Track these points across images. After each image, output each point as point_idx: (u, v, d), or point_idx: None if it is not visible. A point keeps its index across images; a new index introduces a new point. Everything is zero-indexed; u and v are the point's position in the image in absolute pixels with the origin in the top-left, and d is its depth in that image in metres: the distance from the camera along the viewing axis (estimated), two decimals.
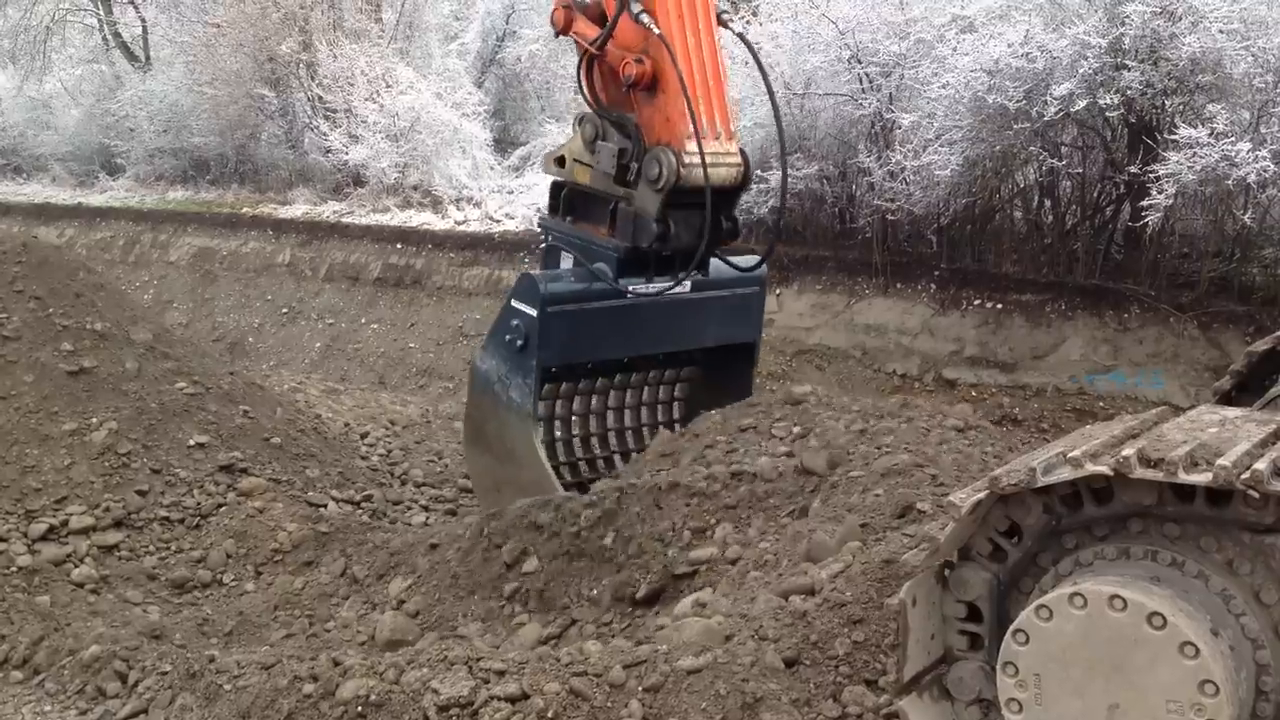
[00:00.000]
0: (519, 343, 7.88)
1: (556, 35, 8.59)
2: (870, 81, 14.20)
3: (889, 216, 13.80)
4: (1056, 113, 11.54)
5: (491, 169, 21.34)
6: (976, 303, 13.19)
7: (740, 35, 8.61)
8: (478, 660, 4.53)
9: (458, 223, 19.69)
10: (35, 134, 29.54)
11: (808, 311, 14.51)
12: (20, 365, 8.08)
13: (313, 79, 22.10)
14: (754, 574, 5.34)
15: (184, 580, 7.09)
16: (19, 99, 30.31)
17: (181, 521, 7.57)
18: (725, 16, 8.42)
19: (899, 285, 13.92)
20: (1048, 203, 13.78)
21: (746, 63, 16.19)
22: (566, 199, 8.61)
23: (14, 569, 6.76)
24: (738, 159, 7.99)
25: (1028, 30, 11.99)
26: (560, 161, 8.57)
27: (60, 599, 6.58)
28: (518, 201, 19.65)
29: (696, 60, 7.89)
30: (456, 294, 17.32)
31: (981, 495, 2.94)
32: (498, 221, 19.51)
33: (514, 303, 7.97)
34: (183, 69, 24.83)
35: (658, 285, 8.07)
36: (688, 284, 8.23)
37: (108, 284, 9.60)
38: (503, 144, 22.65)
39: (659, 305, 8.18)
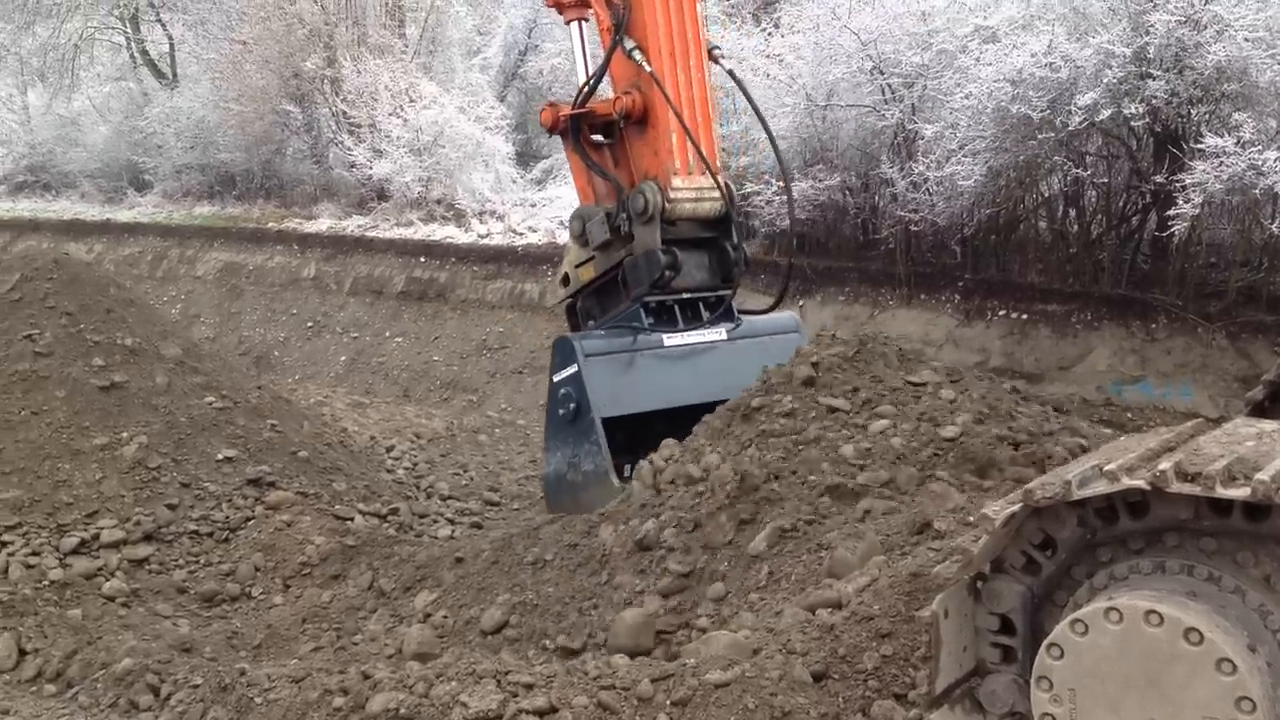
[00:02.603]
0: (572, 407, 7.83)
1: (550, 134, 9.08)
2: (893, 92, 14.18)
3: (912, 227, 13.76)
4: (1081, 122, 11.49)
5: (514, 182, 21.43)
6: (1001, 313, 13.12)
7: (730, 72, 8.80)
8: (506, 674, 4.54)
9: (481, 236, 19.77)
10: (64, 151, 29.86)
11: (831, 323, 14.46)
12: (52, 380, 8.18)
13: (337, 94, 22.26)
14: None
15: (213, 593, 7.14)
16: (48, 116, 30.67)
17: (210, 535, 7.64)
18: (716, 52, 8.61)
19: (923, 296, 13.86)
20: (1073, 212, 13.70)
21: (769, 75, 16.25)
22: (583, 311, 8.83)
23: (46, 582, 6.84)
24: (717, 194, 8.33)
25: (1051, 40, 11.94)
26: (565, 280, 8.79)
27: (92, 612, 6.63)
28: (540, 214, 19.71)
29: (686, 96, 8.14)
30: (480, 307, 17.37)
31: (1016, 508, 2.93)
32: (520, 234, 19.57)
33: (556, 376, 8.01)
34: (209, 86, 25.05)
35: (692, 334, 8.18)
36: (724, 332, 8.33)
37: (137, 299, 9.69)
38: (525, 157, 22.74)
39: (701, 352, 8.22)
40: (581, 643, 5.80)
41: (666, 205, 8.04)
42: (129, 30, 29.92)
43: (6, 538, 7.17)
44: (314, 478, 8.53)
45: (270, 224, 21.80)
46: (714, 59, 8.55)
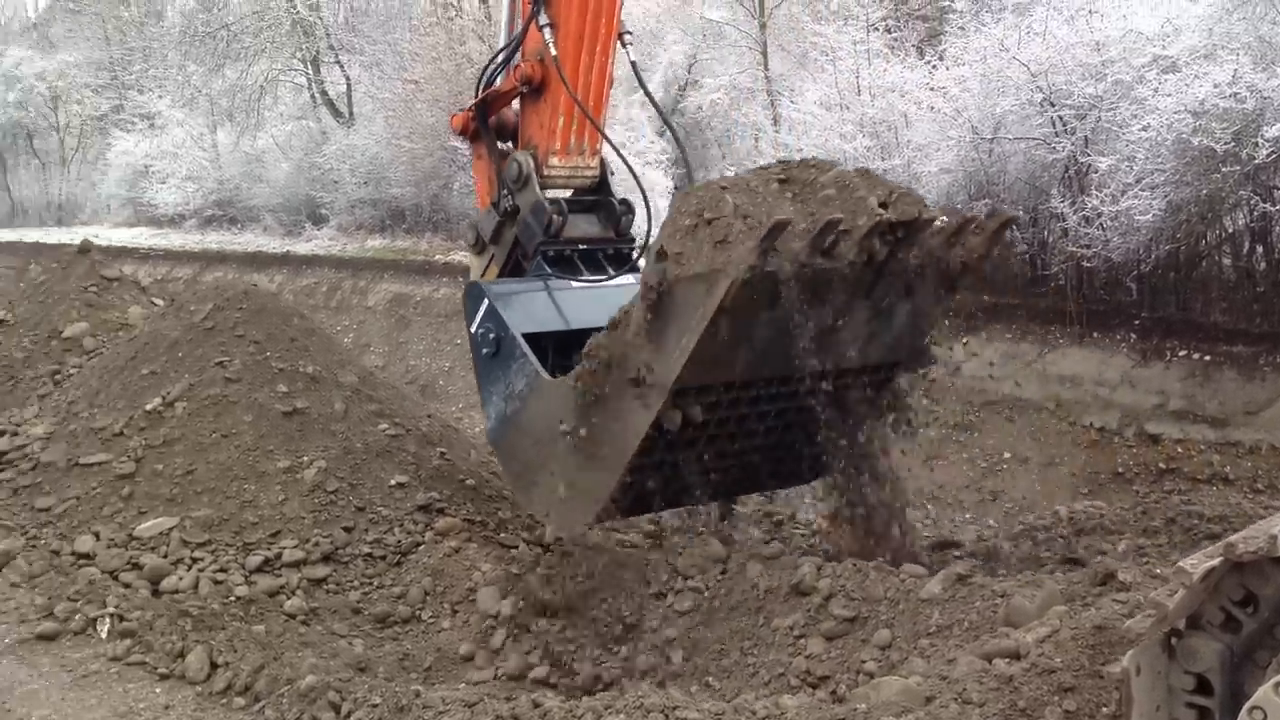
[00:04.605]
0: (492, 338, 7.75)
1: (462, 137, 9.01)
2: (1064, 124, 13.79)
3: (1084, 263, 13.32)
4: (1269, 155, 10.95)
5: None
6: (1182, 354, 12.54)
7: (633, 64, 8.64)
8: (674, 709, 4.56)
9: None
10: (249, 186, 31.58)
11: (996, 360, 14.09)
12: (240, 405, 8.62)
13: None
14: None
15: (385, 615, 7.37)
16: (235, 154, 32.53)
17: (383, 558, 7.89)
18: (627, 38, 8.47)
19: (1095, 334, 13.38)
20: (1259, 249, 13.05)
21: (933, 108, 16.02)
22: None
23: (233, 598, 7.19)
24: (595, 171, 8.52)
25: (1236, 70, 11.44)
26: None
27: (274, 629, 6.94)
28: None
29: (584, 81, 8.11)
30: None
31: (1215, 562, 2.81)
32: None
33: (472, 325, 7.96)
34: (383, 124, 26.14)
35: (599, 279, 8.16)
36: (632, 279, 8.07)
37: (317, 329, 10.13)
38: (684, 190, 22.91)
39: (609, 290, 7.99)
40: (744, 681, 5.78)
41: (540, 176, 8.17)
42: (310, 72, 31.54)
43: (197, 554, 7.58)
44: (480, 505, 8.74)
45: (437, 256, 22.53)
46: (623, 44, 8.44)
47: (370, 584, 7.67)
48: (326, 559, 7.72)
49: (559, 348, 7.71)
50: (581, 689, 6.08)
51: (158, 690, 5.99)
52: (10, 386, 10.09)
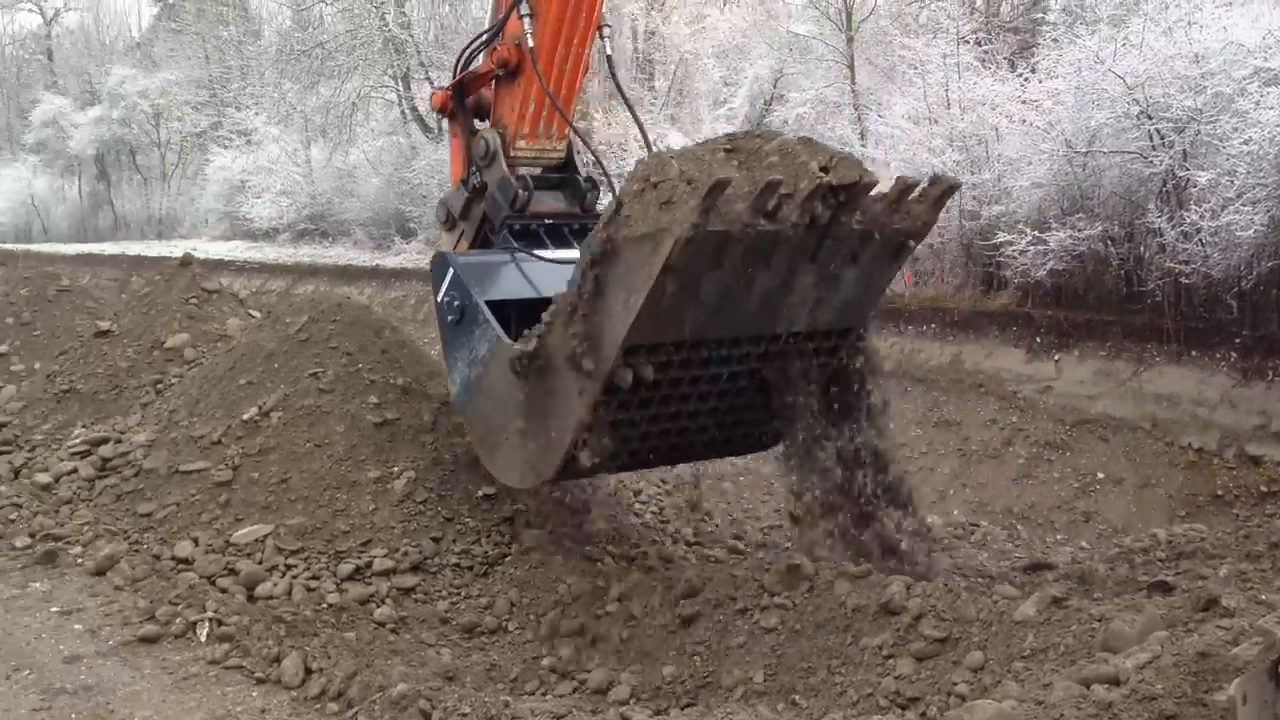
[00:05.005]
0: (457, 305, 7.88)
1: (440, 114, 9.22)
2: (1161, 138, 13.50)
3: (1182, 279, 13.00)
4: None
5: None
6: None
7: (609, 57, 8.84)
8: None
9: None
10: (340, 201, 32.28)
11: (1090, 379, 13.80)
12: (333, 416, 8.79)
13: (587, 145, 23.08)
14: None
15: (472, 625, 7.44)
16: (327, 169, 33.27)
17: (470, 569, 7.98)
18: (606, 31, 8.61)
19: (1194, 353, 13.03)
20: None
21: (1025, 121, 15.77)
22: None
23: (325, 605, 7.32)
24: (562, 153, 8.75)
25: None
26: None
27: (364, 636, 7.05)
28: None
29: (558, 70, 8.27)
30: None
31: None
32: None
33: (438, 295, 8.11)
34: None
35: (563, 252, 8.24)
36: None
37: (408, 341, 10.29)
38: None
39: (563, 262, 7.99)
40: (831, 701, 5.72)
41: (508, 156, 8.38)
42: (400, 88, 32.15)
43: (291, 561, 7.75)
44: (565, 518, 8.79)
45: None
46: (601, 35, 8.60)
47: (458, 594, 7.76)
48: (415, 568, 7.83)
49: (522, 316, 7.84)
50: (667, 704, 6.07)
51: (254, 694, 6.13)
52: (115, 395, 10.44)
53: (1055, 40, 16.63)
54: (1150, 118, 13.53)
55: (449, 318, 8.01)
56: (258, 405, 8.89)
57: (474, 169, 8.64)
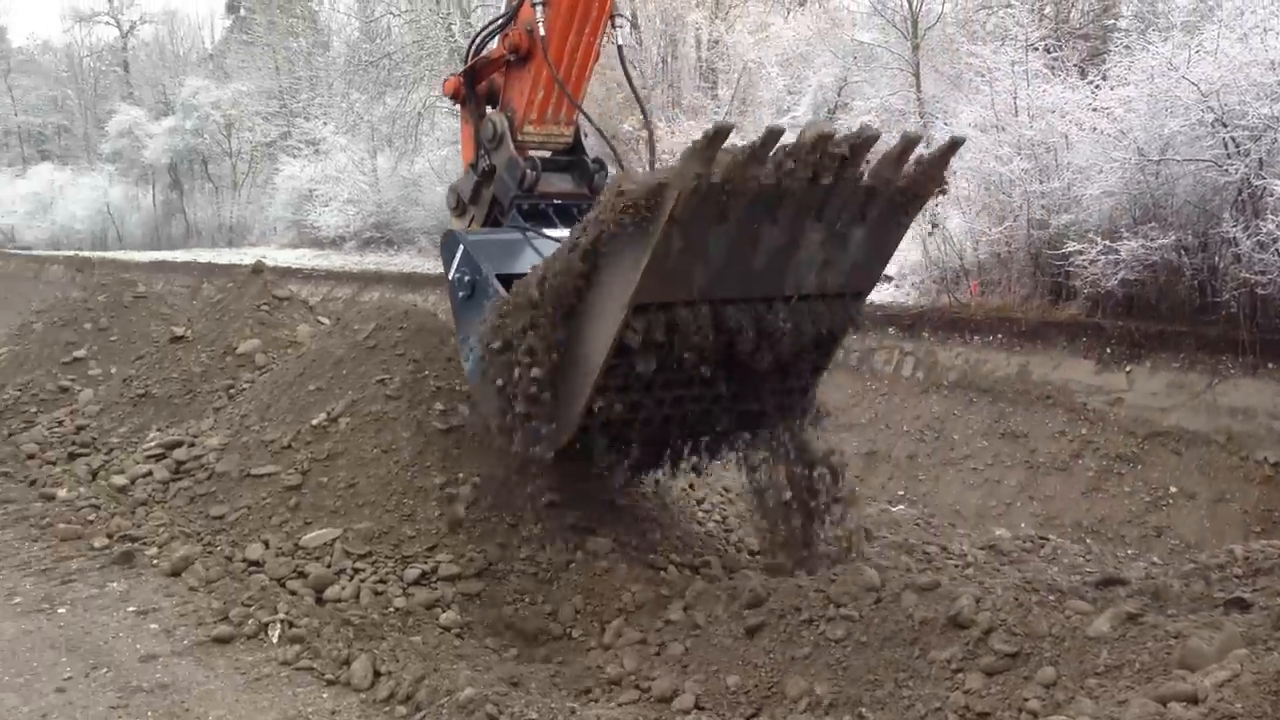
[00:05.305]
0: (468, 280, 7.96)
1: (453, 100, 9.26)
2: (1237, 146, 13.24)
3: (1259, 290, 12.73)
4: None
5: None
6: None
7: (619, 47, 8.90)
8: None
9: None
10: (405, 210, 32.70)
11: (1162, 391, 13.56)
12: (399, 422, 8.88)
13: (650, 154, 23.14)
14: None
15: (537, 631, 7.47)
16: (393, 178, 33.71)
17: (535, 575, 7.99)
18: (619, 20, 8.64)
19: (1270, 365, 12.75)
20: None
21: (1095, 129, 15.54)
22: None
23: (391, 609, 7.39)
24: (569, 137, 8.81)
25: None
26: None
27: (430, 640, 7.10)
28: None
29: (568, 58, 8.34)
30: None
31: None
32: None
33: (450, 272, 8.20)
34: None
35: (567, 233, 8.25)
36: None
37: None
38: None
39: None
40: (899, 714, 5.67)
41: (515, 140, 8.46)
42: None
43: (358, 565, 7.83)
44: (630, 526, 8.79)
45: None
46: (613, 25, 8.61)
47: (522, 600, 7.78)
48: (480, 574, 7.86)
49: None
50: (732, 714, 6.05)
51: (324, 695, 6.22)
52: (189, 399, 10.66)
53: (1127, 47, 16.39)
54: (1225, 125, 13.29)
55: (460, 294, 8.18)
56: (326, 411, 9.02)
57: (483, 152, 8.79)
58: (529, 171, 8.49)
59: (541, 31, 8.20)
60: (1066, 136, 16.02)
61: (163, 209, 55.75)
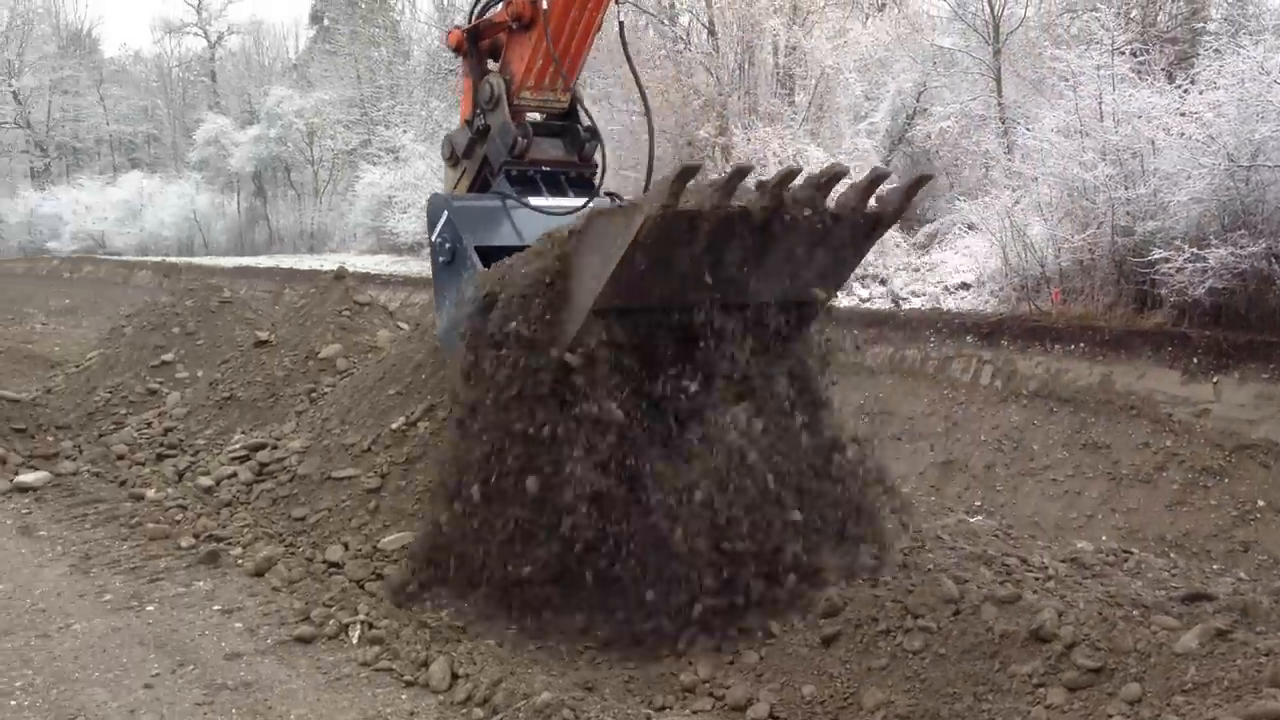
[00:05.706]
0: (448, 247, 8.33)
1: (455, 54, 9.49)
2: None
3: None
4: None
5: (897, 246, 21.30)
6: None
7: (620, 24, 9.18)
8: None
9: (862, 300, 19.76)
10: None
11: (1251, 403, 13.18)
12: None
13: (727, 160, 23.16)
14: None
15: (611, 638, 7.48)
16: None
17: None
18: None
19: None
20: None
21: (1183, 134, 15.18)
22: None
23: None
24: (565, 103, 9.08)
25: None
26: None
27: (506, 644, 7.16)
28: (926, 279, 19.43)
29: (569, 31, 8.55)
30: (858, 372, 17.32)
31: None
32: (904, 299, 19.37)
33: (433, 235, 8.54)
34: (611, 154, 26.80)
35: (557, 200, 8.65)
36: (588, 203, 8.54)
37: None
38: (909, 221, 22.54)
39: (565, 213, 8.21)
40: None
41: (511, 104, 8.70)
42: None
43: None
44: None
45: None
46: (616, 1, 8.82)
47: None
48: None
49: None
50: None
51: (403, 696, 6.31)
52: (272, 403, 10.89)
53: (1216, 50, 16.00)
54: None
55: (440, 258, 8.61)
56: (405, 415, 9.13)
57: (479, 111, 9.04)
58: (520, 139, 8.80)
59: (544, 4, 8.42)
60: (1153, 142, 15.66)
61: (246, 216, 56.97)
